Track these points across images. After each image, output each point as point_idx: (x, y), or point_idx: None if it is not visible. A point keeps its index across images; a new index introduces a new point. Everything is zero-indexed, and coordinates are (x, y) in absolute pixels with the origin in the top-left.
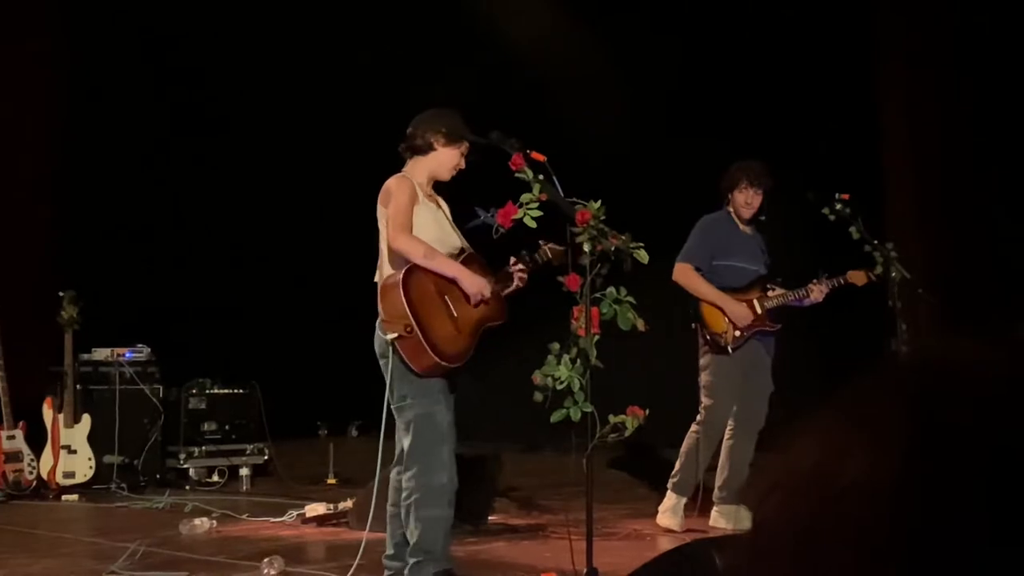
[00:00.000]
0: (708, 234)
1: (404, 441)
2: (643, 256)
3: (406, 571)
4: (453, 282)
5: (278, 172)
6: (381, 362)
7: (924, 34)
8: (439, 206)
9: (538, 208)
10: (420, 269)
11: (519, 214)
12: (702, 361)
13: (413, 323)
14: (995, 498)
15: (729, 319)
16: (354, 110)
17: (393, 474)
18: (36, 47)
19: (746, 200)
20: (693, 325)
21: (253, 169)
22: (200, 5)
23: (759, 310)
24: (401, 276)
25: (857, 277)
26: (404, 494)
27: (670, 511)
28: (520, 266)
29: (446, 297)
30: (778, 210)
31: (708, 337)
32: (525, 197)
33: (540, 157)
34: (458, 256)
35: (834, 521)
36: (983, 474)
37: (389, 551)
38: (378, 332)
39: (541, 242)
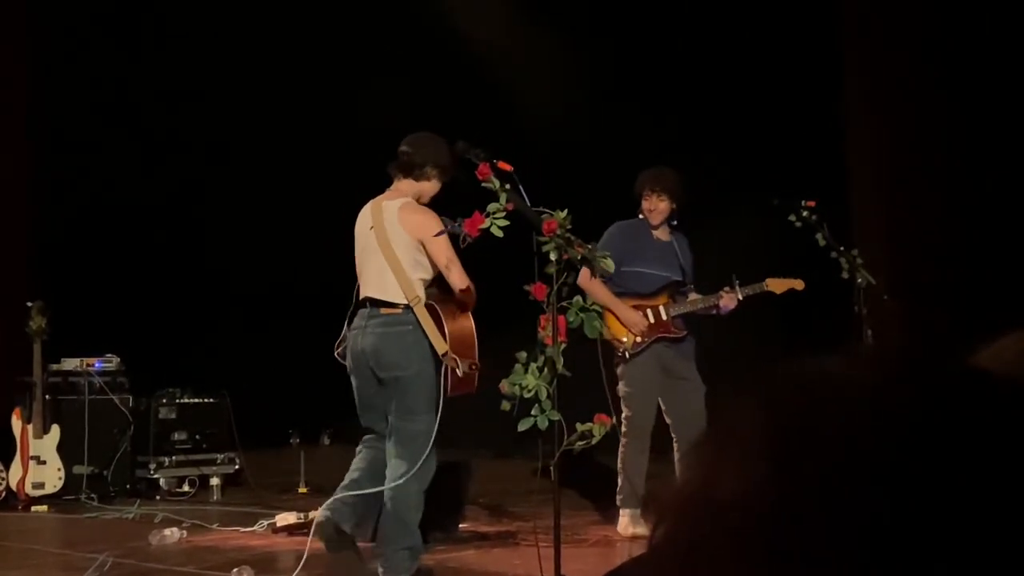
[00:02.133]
0: (615, 240)
1: (402, 447)
2: (609, 265)
3: (391, 556)
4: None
5: (247, 181)
6: (391, 375)
7: (891, 38)
8: None
9: (505, 217)
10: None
11: (486, 223)
12: (617, 371)
13: (477, 362)
14: (858, 499)
15: (624, 325)
16: (318, 118)
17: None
18: (10, 54)
19: (650, 207)
20: None
21: (222, 179)
22: (174, 22)
23: (664, 316)
24: (469, 313)
25: (776, 285)
26: (395, 491)
27: (630, 524)
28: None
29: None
30: (744, 217)
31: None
32: (492, 207)
33: (507, 167)
34: None
35: (714, 538)
36: (844, 479)
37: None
38: (404, 350)
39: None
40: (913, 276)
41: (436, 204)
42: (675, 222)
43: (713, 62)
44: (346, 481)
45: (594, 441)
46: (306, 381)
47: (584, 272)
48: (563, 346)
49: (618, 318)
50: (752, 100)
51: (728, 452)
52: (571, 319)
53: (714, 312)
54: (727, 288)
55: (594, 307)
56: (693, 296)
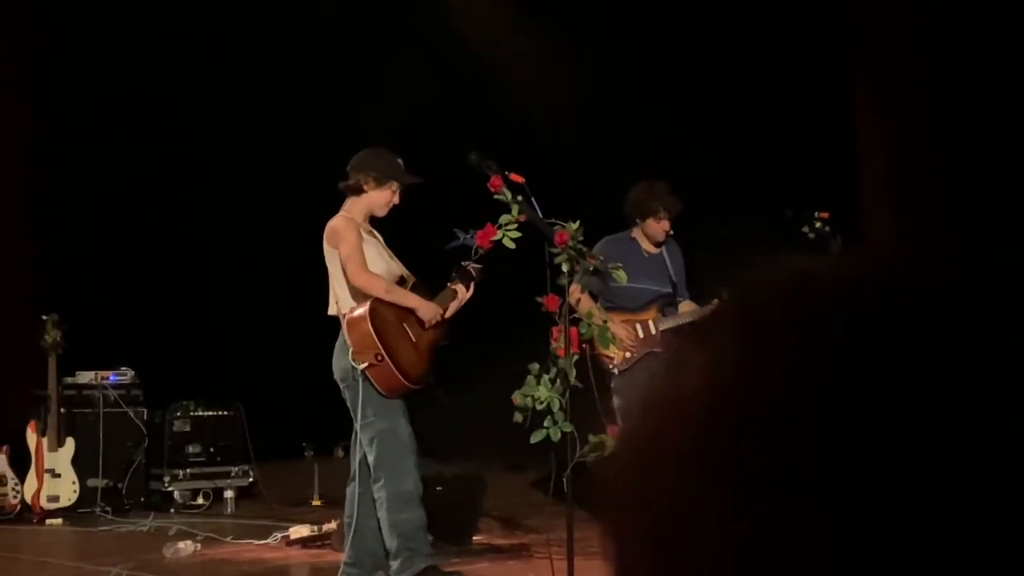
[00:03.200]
0: (604, 254)
1: (369, 456)
2: (621, 276)
3: (394, 567)
4: (411, 311)
5: (263, 194)
6: (342, 386)
7: (898, 43)
8: (377, 239)
9: (516, 229)
10: (381, 301)
11: (498, 235)
12: (611, 386)
13: (383, 352)
14: (824, 393)
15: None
16: (327, 130)
17: (348, 489)
18: (13, 75)
19: (664, 228)
20: (583, 345)
21: (234, 191)
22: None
23: (653, 331)
24: (367, 310)
25: None
26: (377, 504)
27: None
28: (460, 284)
29: (405, 325)
30: (757, 228)
31: (594, 358)
32: (504, 218)
33: (519, 179)
34: (404, 284)
35: (677, 428)
36: (812, 366)
37: (348, 559)
38: (340, 360)
39: (464, 263)
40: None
41: (448, 215)
42: (671, 232)
43: (723, 72)
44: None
45: (607, 453)
46: (320, 394)
47: (574, 288)
48: (575, 357)
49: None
50: (761, 110)
51: (697, 346)
52: (583, 331)
53: None
54: (716, 300)
55: (605, 319)
56: (685, 307)
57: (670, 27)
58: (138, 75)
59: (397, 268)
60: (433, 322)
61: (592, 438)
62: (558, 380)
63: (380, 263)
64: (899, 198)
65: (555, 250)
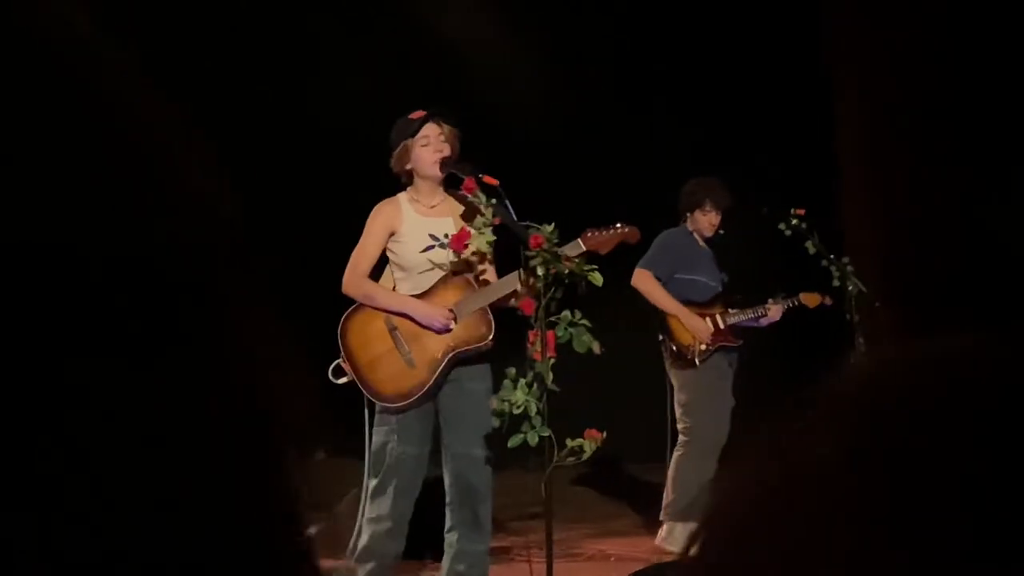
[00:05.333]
0: (671, 247)
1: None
2: (597, 279)
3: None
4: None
5: (250, 194)
6: None
7: (881, 41)
8: (450, 213)
9: (492, 232)
10: (362, 307)
11: (472, 238)
12: (675, 380)
13: (351, 369)
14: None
15: (690, 332)
16: (324, 137)
17: None
18: None
19: (711, 222)
20: (660, 338)
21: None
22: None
23: (721, 325)
24: (343, 317)
25: (810, 299)
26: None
27: (667, 538)
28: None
29: (397, 332)
30: (732, 225)
31: (675, 350)
32: (478, 221)
33: (493, 181)
34: (444, 280)
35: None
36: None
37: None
38: None
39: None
40: (906, 282)
41: None
42: (722, 231)
43: (702, 69)
44: None
45: (584, 457)
46: (301, 393)
47: (642, 273)
48: (552, 361)
49: (683, 324)
50: (740, 106)
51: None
52: (560, 334)
53: (752, 324)
54: (772, 300)
55: (582, 322)
56: (739, 307)
57: (648, 26)
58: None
59: (443, 257)
60: (439, 326)
61: (570, 442)
62: (535, 384)
63: (411, 250)
64: (878, 195)
65: (530, 253)
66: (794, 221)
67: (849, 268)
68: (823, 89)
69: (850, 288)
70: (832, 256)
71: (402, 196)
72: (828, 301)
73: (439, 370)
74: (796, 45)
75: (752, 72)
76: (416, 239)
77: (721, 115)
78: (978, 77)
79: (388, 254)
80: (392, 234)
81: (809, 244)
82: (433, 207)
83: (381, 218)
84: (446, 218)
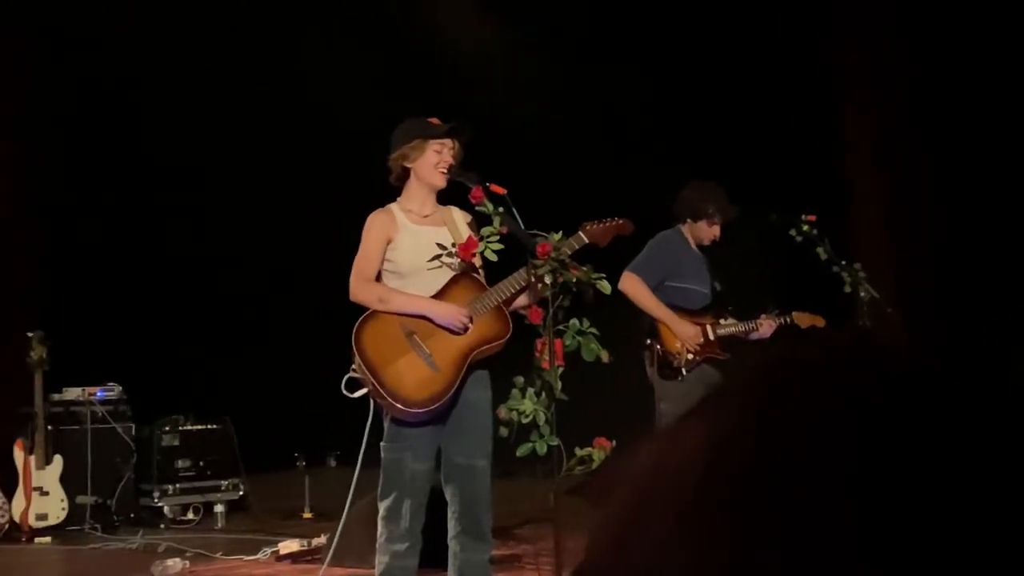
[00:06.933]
0: (663, 252)
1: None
2: (605, 287)
3: None
4: (424, 318)
5: (247, 204)
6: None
7: (888, 50)
8: (443, 223)
9: (499, 241)
10: (376, 314)
11: (480, 247)
12: (657, 389)
13: (372, 380)
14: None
15: (679, 339)
16: (321, 140)
17: None
18: (3, 85)
19: (714, 233)
20: (647, 341)
21: (222, 203)
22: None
23: (711, 336)
24: (356, 327)
25: (802, 319)
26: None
27: None
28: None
29: (415, 336)
30: (740, 232)
31: (660, 355)
32: (486, 230)
33: (500, 190)
34: (455, 283)
35: (662, 496)
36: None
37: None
38: None
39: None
40: (916, 288)
41: None
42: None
43: (710, 74)
44: None
45: (594, 466)
46: (310, 403)
47: (630, 277)
48: (560, 370)
49: (671, 330)
50: (748, 113)
51: (692, 418)
52: (568, 343)
53: (742, 337)
54: (764, 315)
55: (591, 330)
56: (732, 319)
57: (654, 33)
58: (128, 93)
59: (447, 264)
60: (458, 325)
61: (579, 451)
62: (543, 393)
63: (410, 257)
64: (889, 202)
65: (537, 262)
66: (805, 227)
67: (861, 274)
68: (825, 93)
69: (862, 294)
70: (843, 262)
71: (393, 206)
72: (821, 323)
73: (464, 370)
74: (803, 47)
75: (761, 79)
76: (413, 246)
77: (729, 123)
78: (987, 87)
79: (384, 263)
80: (388, 242)
81: (820, 250)
82: (426, 216)
83: (377, 225)
84: (440, 227)
